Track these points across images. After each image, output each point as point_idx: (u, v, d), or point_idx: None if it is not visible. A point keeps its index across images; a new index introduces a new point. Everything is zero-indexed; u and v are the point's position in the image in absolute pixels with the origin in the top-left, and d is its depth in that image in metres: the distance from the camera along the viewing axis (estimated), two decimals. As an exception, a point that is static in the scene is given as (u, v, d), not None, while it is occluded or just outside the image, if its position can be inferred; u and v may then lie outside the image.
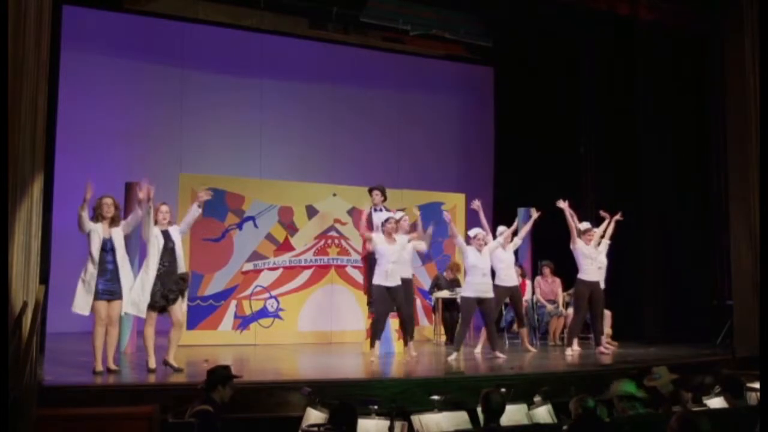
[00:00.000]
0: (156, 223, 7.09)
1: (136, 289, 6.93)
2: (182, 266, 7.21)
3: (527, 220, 11.20)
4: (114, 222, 6.88)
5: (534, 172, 12.42)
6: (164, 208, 7.20)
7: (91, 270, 6.72)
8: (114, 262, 6.80)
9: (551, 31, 11.75)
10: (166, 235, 7.11)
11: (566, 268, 10.85)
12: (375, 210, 9.33)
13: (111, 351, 6.83)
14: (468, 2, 11.74)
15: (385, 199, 9.41)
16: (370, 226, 9.16)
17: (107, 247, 6.79)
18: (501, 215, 12.04)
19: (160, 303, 6.98)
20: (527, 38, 12.38)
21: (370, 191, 9.45)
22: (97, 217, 6.85)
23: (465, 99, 13.81)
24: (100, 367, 6.66)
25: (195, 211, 7.32)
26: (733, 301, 9.43)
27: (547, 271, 10.57)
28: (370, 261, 9.20)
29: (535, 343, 10.27)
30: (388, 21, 11.92)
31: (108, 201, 6.91)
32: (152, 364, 6.98)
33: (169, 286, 7.01)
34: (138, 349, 8.50)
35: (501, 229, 9.36)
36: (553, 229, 11.53)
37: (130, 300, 6.90)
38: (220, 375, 5.38)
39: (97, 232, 6.78)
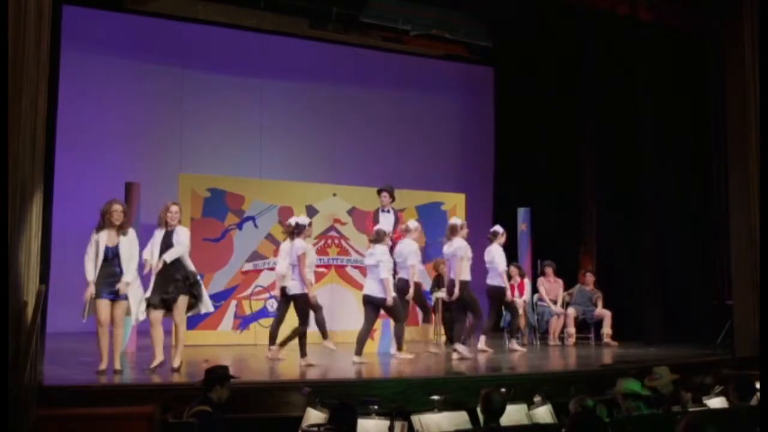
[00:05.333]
0: (165, 224, 7.05)
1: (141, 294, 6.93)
2: (188, 266, 7.07)
3: (527, 220, 11.25)
4: (122, 229, 6.78)
5: (534, 172, 12.43)
6: (174, 208, 7.11)
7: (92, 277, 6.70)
8: (119, 266, 6.73)
9: (551, 31, 11.75)
10: (169, 235, 7.04)
11: (565, 269, 10.88)
12: (382, 211, 9.30)
13: (117, 352, 6.82)
14: (468, 2, 11.75)
15: (393, 200, 9.37)
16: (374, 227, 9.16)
17: (109, 255, 6.71)
18: (501, 215, 12.07)
19: (153, 301, 6.91)
20: (527, 38, 12.38)
21: (379, 192, 9.37)
22: (105, 223, 6.75)
23: (465, 99, 13.81)
24: (104, 366, 6.65)
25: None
26: (733, 301, 9.43)
27: (549, 271, 10.58)
28: None
29: (535, 342, 10.30)
30: (388, 21, 11.94)
31: (118, 208, 6.79)
32: (159, 357, 6.93)
33: (166, 287, 6.94)
34: (138, 349, 8.51)
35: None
36: (553, 231, 11.59)
37: (138, 306, 6.91)
38: (218, 375, 5.38)
39: (101, 240, 6.70)
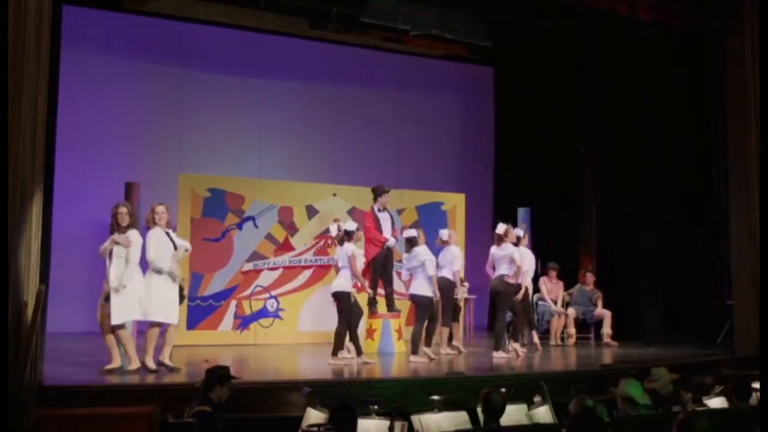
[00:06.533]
0: (155, 224, 7.07)
1: (160, 297, 6.95)
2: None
3: (527, 220, 11.26)
4: (128, 230, 6.89)
5: (534, 172, 12.43)
6: (160, 209, 7.11)
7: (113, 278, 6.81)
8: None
9: (551, 31, 11.75)
10: (169, 236, 7.11)
11: (566, 269, 10.88)
12: (379, 211, 9.26)
13: (132, 351, 6.99)
14: (468, 2, 11.75)
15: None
16: (379, 228, 9.12)
17: (118, 254, 6.86)
18: (501, 215, 12.07)
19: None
20: (527, 38, 12.38)
21: (385, 192, 9.24)
22: (115, 226, 6.89)
23: (465, 99, 13.80)
24: (115, 365, 6.84)
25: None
26: (733, 301, 9.43)
27: (553, 273, 10.59)
28: (374, 266, 9.11)
29: (535, 342, 10.29)
30: (388, 21, 11.94)
31: (123, 210, 6.93)
32: (152, 364, 6.99)
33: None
34: (139, 349, 8.49)
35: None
36: (553, 231, 11.59)
37: (155, 309, 6.95)
38: (218, 375, 5.39)
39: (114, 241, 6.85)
